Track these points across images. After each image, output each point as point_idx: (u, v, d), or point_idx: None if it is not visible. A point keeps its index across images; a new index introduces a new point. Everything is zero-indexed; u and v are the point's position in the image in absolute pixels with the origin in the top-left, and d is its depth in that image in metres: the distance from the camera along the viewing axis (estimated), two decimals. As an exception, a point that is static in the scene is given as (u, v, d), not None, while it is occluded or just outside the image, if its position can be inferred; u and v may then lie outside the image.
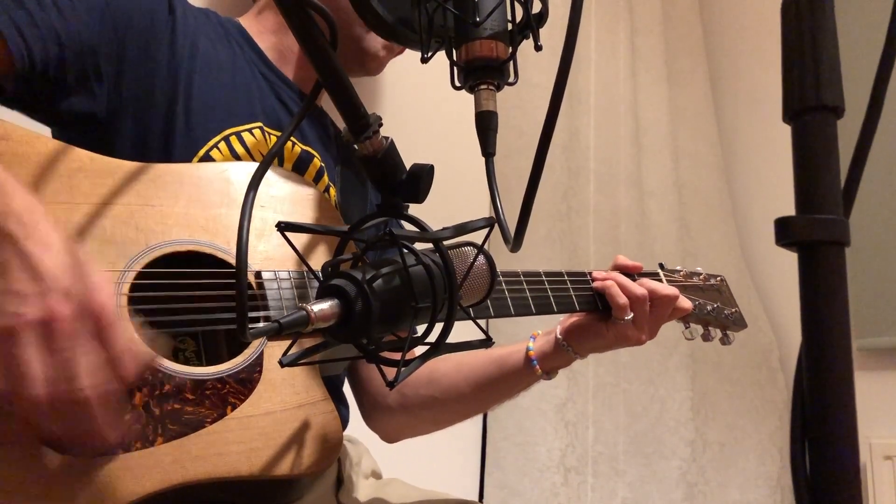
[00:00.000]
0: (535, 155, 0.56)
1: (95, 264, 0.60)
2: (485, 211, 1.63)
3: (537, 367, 1.00)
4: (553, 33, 1.71)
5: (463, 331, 0.69)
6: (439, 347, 0.58)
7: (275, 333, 0.50)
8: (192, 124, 0.84)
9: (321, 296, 0.54)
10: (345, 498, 0.95)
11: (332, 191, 1.00)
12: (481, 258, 0.64)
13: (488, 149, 0.59)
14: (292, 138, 0.95)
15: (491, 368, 1.03)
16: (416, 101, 1.52)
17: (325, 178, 0.99)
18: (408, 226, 0.60)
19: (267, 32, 1.01)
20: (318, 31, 0.53)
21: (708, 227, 2.14)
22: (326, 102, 1.08)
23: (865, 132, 0.50)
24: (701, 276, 1.16)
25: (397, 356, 0.57)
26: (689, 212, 2.13)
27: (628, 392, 1.88)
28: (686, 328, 1.13)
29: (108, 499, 0.64)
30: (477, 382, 1.03)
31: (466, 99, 0.60)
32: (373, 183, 0.60)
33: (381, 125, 0.57)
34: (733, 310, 1.17)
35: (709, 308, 1.12)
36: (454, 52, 0.59)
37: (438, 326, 0.58)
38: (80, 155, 0.73)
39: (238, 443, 0.72)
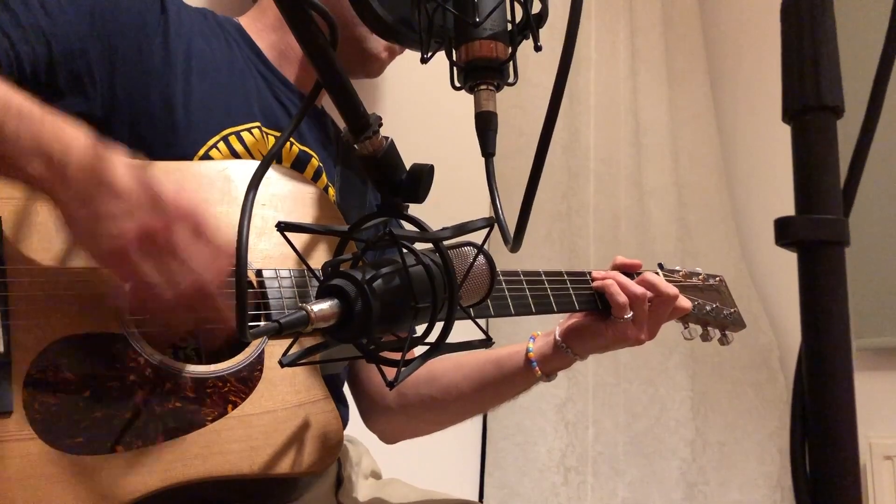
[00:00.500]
0: (535, 155, 0.56)
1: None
2: (484, 211, 1.63)
3: (537, 368, 0.99)
4: (553, 33, 1.71)
5: (463, 330, 0.69)
6: (439, 347, 0.58)
7: (275, 333, 0.50)
8: (190, 124, 0.84)
9: (321, 296, 0.54)
10: (344, 498, 0.95)
11: (332, 191, 1.00)
12: (481, 258, 0.64)
13: (488, 149, 0.59)
14: (291, 138, 0.95)
15: (490, 369, 1.03)
16: (416, 102, 1.52)
17: (324, 178, 0.99)
18: (408, 226, 0.60)
19: (267, 30, 1.01)
20: (318, 30, 0.53)
21: (708, 227, 2.14)
22: (327, 102, 1.08)
23: (865, 132, 0.50)
24: (700, 276, 1.16)
25: (397, 356, 0.57)
26: (689, 212, 2.13)
27: (628, 392, 1.88)
28: (685, 328, 1.13)
29: (109, 496, 0.64)
30: (476, 383, 1.03)
31: (466, 99, 0.60)
32: (373, 183, 0.60)
33: (381, 125, 0.58)
34: (732, 310, 1.17)
35: (708, 308, 1.12)
36: (454, 52, 0.59)
37: (438, 326, 0.58)
38: None
39: (239, 441, 0.72)
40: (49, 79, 0.76)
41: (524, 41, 0.61)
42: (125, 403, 0.68)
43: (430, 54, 0.61)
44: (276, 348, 0.77)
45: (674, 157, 2.12)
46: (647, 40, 2.15)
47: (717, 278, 1.19)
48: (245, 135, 0.88)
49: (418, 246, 0.58)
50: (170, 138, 0.83)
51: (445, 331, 0.57)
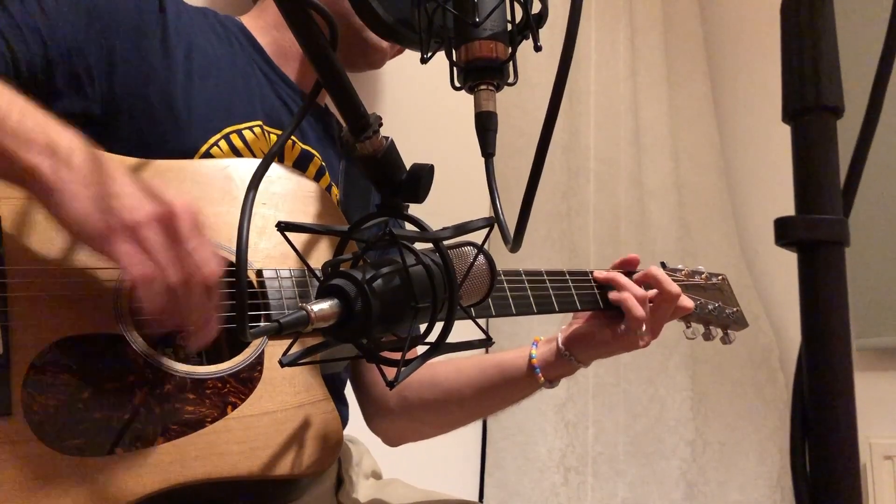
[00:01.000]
0: (535, 155, 0.56)
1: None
2: (484, 211, 1.63)
3: (540, 375, 0.99)
4: (553, 33, 1.71)
5: (463, 330, 0.69)
6: (439, 347, 0.58)
7: (275, 333, 0.50)
8: (191, 122, 0.84)
9: (321, 295, 0.54)
10: (344, 498, 0.95)
11: (335, 190, 1.00)
12: (481, 258, 0.64)
13: (488, 149, 0.59)
14: (294, 137, 0.95)
15: (493, 374, 1.02)
16: (416, 102, 1.52)
17: (327, 177, 0.98)
18: (408, 226, 0.60)
19: (268, 28, 1.00)
20: (318, 30, 0.53)
21: (708, 227, 2.14)
22: (331, 102, 1.08)
23: (865, 132, 0.50)
24: (703, 276, 1.16)
25: (397, 356, 0.57)
26: (689, 212, 2.13)
27: (628, 392, 1.88)
28: (687, 327, 1.12)
29: (108, 498, 0.64)
30: (479, 387, 1.03)
31: (466, 99, 0.60)
32: (373, 183, 0.60)
33: (381, 125, 0.58)
34: (734, 309, 1.17)
35: (710, 307, 1.12)
36: (454, 52, 0.59)
37: (438, 326, 0.58)
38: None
39: (238, 443, 0.72)
40: (47, 78, 0.76)
41: (524, 41, 0.61)
42: (124, 405, 0.68)
43: (430, 54, 0.61)
44: (276, 349, 0.77)
45: (674, 157, 2.12)
46: (647, 40, 2.15)
47: (720, 277, 1.19)
48: (246, 133, 0.88)
49: (418, 246, 0.58)
50: (170, 136, 0.83)
51: (445, 331, 0.57)
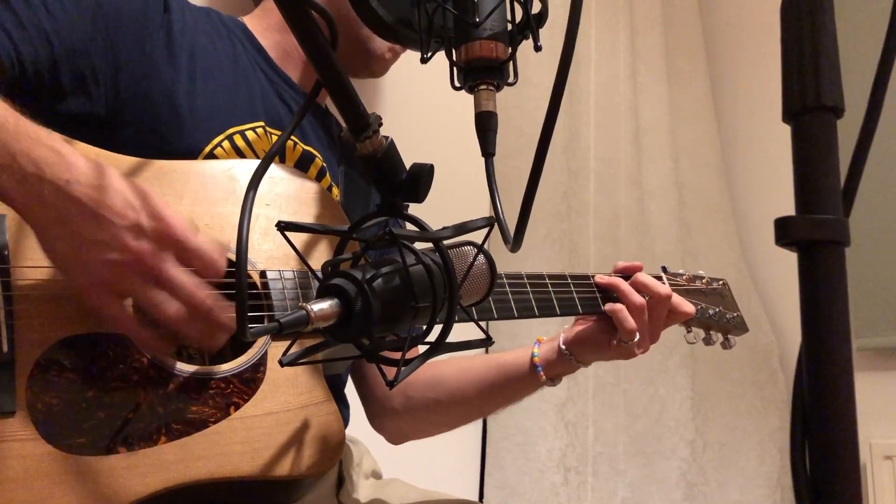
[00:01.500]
0: (535, 155, 0.56)
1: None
2: (484, 211, 1.63)
3: (542, 373, 1.00)
4: (553, 33, 1.71)
5: (463, 330, 0.69)
6: (439, 347, 0.58)
7: (275, 333, 0.50)
8: (194, 123, 0.84)
9: (321, 295, 0.54)
10: (345, 498, 0.95)
11: (336, 191, 1.00)
12: (481, 257, 0.64)
13: (488, 149, 0.59)
14: (294, 138, 0.95)
15: (495, 373, 1.03)
16: (416, 101, 1.52)
17: (328, 178, 0.99)
18: (408, 225, 0.60)
19: (271, 31, 1.00)
20: (318, 30, 0.53)
21: (708, 227, 2.14)
22: (331, 103, 1.08)
23: (865, 132, 0.50)
24: (703, 280, 1.16)
25: (398, 356, 0.57)
26: (689, 212, 2.13)
27: (628, 392, 1.88)
28: (688, 332, 1.13)
29: (111, 498, 0.64)
30: (481, 387, 1.03)
31: (466, 99, 0.60)
32: (373, 182, 0.60)
33: (380, 125, 0.58)
34: (735, 314, 1.17)
35: (711, 312, 1.13)
36: (454, 52, 0.59)
37: (439, 325, 0.58)
38: (86, 150, 0.72)
39: (241, 443, 0.72)
40: (52, 79, 0.76)
41: (524, 41, 0.61)
42: (128, 404, 0.68)
43: (429, 54, 0.61)
44: (279, 350, 0.77)
45: (674, 157, 2.12)
46: (647, 40, 2.15)
47: (721, 282, 1.19)
48: (249, 133, 0.88)
49: (418, 245, 0.58)
50: (174, 137, 0.83)
51: (445, 330, 0.57)
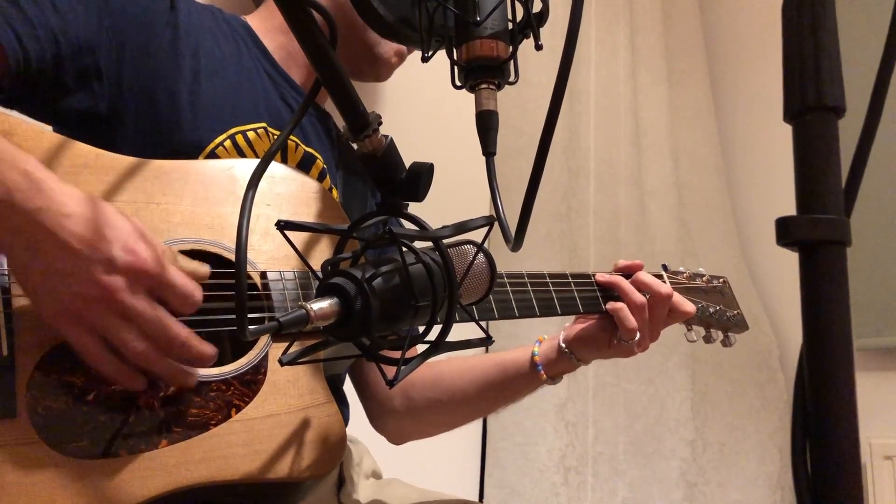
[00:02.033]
0: (536, 154, 0.56)
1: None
2: (485, 210, 1.63)
3: (542, 372, 1.00)
4: (553, 33, 1.71)
5: (463, 329, 0.69)
6: (439, 346, 0.58)
7: (275, 332, 0.50)
8: (197, 122, 0.84)
9: (321, 294, 0.54)
10: (345, 498, 0.95)
11: (335, 193, 1.00)
12: (481, 256, 0.63)
13: (489, 148, 0.59)
14: (296, 139, 0.95)
15: (496, 372, 1.03)
16: (416, 101, 1.52)
17: (328, 179, 0.98)
18: (408, 224, 0.60)
19: (275, 32, 1.00)
20: (318, 29, 0.53)
21: (708, 227, 2.14)
22: (330, 104, 1.08)
23: (866, 132, 0.50)
24: (704, 278, 1.16)
25: (398, 355, 0.57)
26: (689, 212, 2.13)
27: (628, 392, 1.88)
28: (688, 330, 1.13)
29: (112, 501, 0.64)
30: (481, 386, 1.03)
31: (466, 98, 0.60)
32: (372, 182, 0.59)
33: (380, 124, 0.57)
34: (735, 312, 1.17)
35: (711, 310, 1.12)
36: (454, 51, 0.59)
37: (439, 325, 0.57)
38: (85, 151, 0.72)
39: (242, 445, 0.72)
40: (56, 75, 0.76)
41: (525, 40, 0.61)
42: (128, 407, 0.67)
43: (430, 53, 0.61)
44: (279, 351, 0.76)
45: (674, 157, 2.12)
46: (647, 40, 2.15)
47: (721, 280, 1.19)
48: (250, 133, 0.88)
49: (418, 244, 0.58)
50: (176, 135, 0.83)
51: (445, 329, 0.57)
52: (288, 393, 0.76)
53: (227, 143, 0.85)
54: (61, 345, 0.65)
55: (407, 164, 0.59)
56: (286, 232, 0.57)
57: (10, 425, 0.62)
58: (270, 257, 0.79)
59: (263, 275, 0.77)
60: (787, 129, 0.51)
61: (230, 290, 0.73)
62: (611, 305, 0.99)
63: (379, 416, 1.09)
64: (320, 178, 0.97)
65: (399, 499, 0.99)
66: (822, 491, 0.46)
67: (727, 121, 2.30)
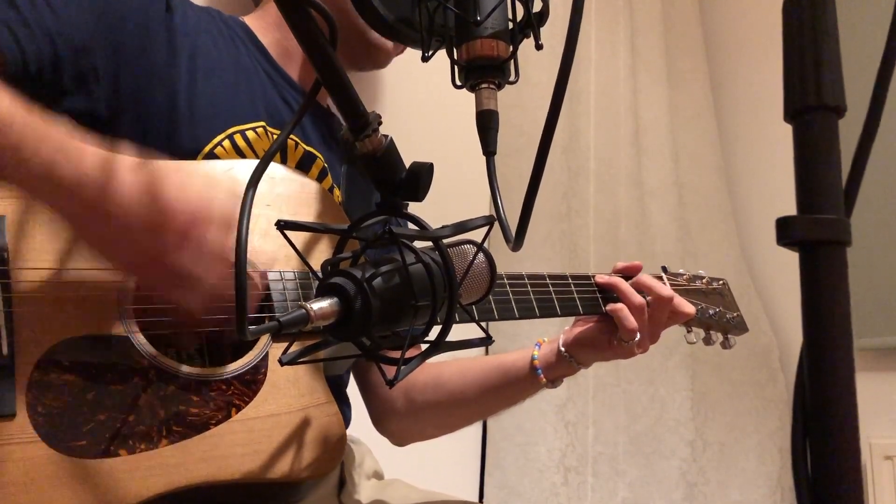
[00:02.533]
0: (536, 154, 0.56)
1: None
2: (485, 210, 1.63)
3: (542, 375, 1.00)
4: (553, 33, 1.71)
5: (463, 329, 0.69)
6: (439, 346, 0.58)
7: (275, 332, 0.50)
8: (195, 122, 0.84)
9: (321, 294, 0.54)
10: (346, 499, 0.95)
11: (337, 192, 1.00)
12: (481, 256, 0.63)
13: (489, 147, 0.59)
14: (296, 138, 0.95)
15: (496, 375, 1.03)
16: (416, 100, 1.52)
17: (329, 178, 0.98)
18: (408, 224, 0.60)
19: (271, 28, 1.00)
20: (318, 29, 0.53)
21: (708, 227, 2.14)
22: (332, 103, 1.08)
23: (867, 131, 0.50)
24: (703, 280, 1.16)
25: (398, 354, 0.57)
26: (689, 212, 2.13)
27: (628, 392, 1.88)
28: (688, 332, 1.13)
29: (112, 500, 0.64)
30: (481, 388, 1.03)
31: (466, 97, 0.60)
32: (372, 181, 0.59)
33: (380, 123, 0.57)
34: (735, 314, 1.17)
35: (711, 312, 1.13)
36: (455, 50, 0.59)
37: (439, 324, 0.57)
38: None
39: (242, 445, 0.72)
40: (54, 77, 0.76)
41: (525, 40, 0.61)
42: (128, 406, 0.67)
43: (430, 53, 0.61)
44: (279, 351, 0.76)
45: (674, 157, 2.12)
46: (647, 40, 2.15)
47: (721, 282, 1.19)
48: (249, 133, 0.88)
49: (418, 244, 0.58)
50: (174, 135, 0.83)
51: (445, 329, 0.57)
52: (288, 393, 0.76)
53: (226, 143, 0.85)
54: (61, 343, 0.65)
55: (407, 164, 0.59)
56: (286, 232, 0.57)
57: (9, 424, 0.62)
58: (270, 257, 0.79)
59: (263, 275, 0.77)
60: (788, 129, 0.51)
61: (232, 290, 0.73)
62: (611, 306, 0.99)
63: (382, 418, 1.09)
64: (321, 177, 0.97)
65: (400, 499, 0.99)
66: (822, 491, 0.46)
67: (727, 121, 2.30)
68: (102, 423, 0.66)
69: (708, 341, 1.14)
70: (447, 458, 1.57)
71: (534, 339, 1.05)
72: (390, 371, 0.56)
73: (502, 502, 1.64)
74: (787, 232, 0.49)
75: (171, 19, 0.86)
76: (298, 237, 0.81)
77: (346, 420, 0.99)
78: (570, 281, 1.01)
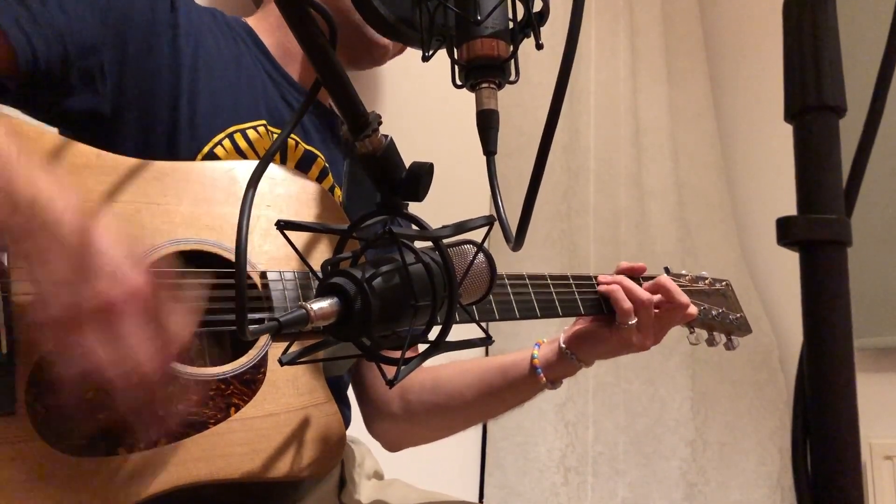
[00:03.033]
0: (537, 154, 0.56)
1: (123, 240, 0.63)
2: (485, 210, 1.63)
3: (542, 375, 0.99)
4: (554, 33, 1.71)
5: (463, 329, 0.69)
6: (439, 346, 0.58)
7: (275, 332, 0.50)
8: (196, 121, 0.84)
9: (321, 294, 0.54)
10: (347, 499, 0.95)
11: (338, 191, 1.00)
12: (481, 256, 0.63)
13: (489, 147, 0.59)
14: (297, 138, 0.95)
15: (495, 377, 1.02)
16: (416, 100, 1.52)
17: (330, 178, 0.98)
18: (408, 224, 0.60)
19: (272, 29, 1.00)
20: (318, 29, 0.53)
21: (708, 227, 2.14)
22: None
23: (867, 131, 0.50)
24: (706, 281, 1.16)
25: (398, 355, 0.56)
26: (689, 212, 2.13)
27: (628, 392, 1.88)
28: (691, 333, 1.13)
29: (112, 499, 0.64)
30: (481, 390, 1.03)
31: (467, 97, 0.60)
32: (372, 181, 0.59)
33: (380, 123, 0.57)
34: (738, 315, 1.17)
35: (714, 313, 1.12)
36: (455, 50, 0.59)
37: (438, 324, 0.57)
38: (86, 151, 0.72)
39: (242, 444, 0.72)
40: (62, 76, 0.76)
41: (525, 39, 0.61)
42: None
43: (431, 52, 0.61)
44: (279, 351, 0.76)
45: (674, 157, 2.12)
46: (647, 40, 2.15)
47: (724, 283, 1.19)
48: (250, 132, 0.88)
49: (418, 244, 0.58)
50: (175, 134, 0.83)
51: (445, 329, 0.57)
52: (287, 392, 0.76)
53: (227, 143, 0.85)
54: None
55: (407, 164, 0.59)
56: (286, 232, 0.57)
57: (9, 423, 0.62)
58: (271, 258, 0.79)
59: (263, 275, 0.77)
60: (788, 129, 0.51)
61: (231, 290, 0.73)
62: (604, 287, 0.99)
63: (376, 421, 1.08)
64: (321, 177, 0.97)
65: (400, 499, 0.99)
66: (822, 491, 0.46)
67: (727, 121, 2.30)
68: (102, 423, 0.66)
69: (711, 342, 1.14)
70: (447, 458, 1.57)
71: (533, 339, 1.05)
72: (390, 371, 0.56)
73: (502, 502, 1.64)
74: (787, 232, 0.49)
75: (175, 18, 0.86)
76: (299, 237, 0.81)
77: (346, 421, 0.99)
78: (572, 281, 1.00)
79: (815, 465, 0.47)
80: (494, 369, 1.03)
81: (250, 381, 0.74)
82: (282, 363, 0.59)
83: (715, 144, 2.23)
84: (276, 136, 0.91)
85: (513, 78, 0.59)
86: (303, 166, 0.95)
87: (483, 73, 0.58)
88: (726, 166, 2.24)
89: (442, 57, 0.62)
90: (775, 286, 2.10)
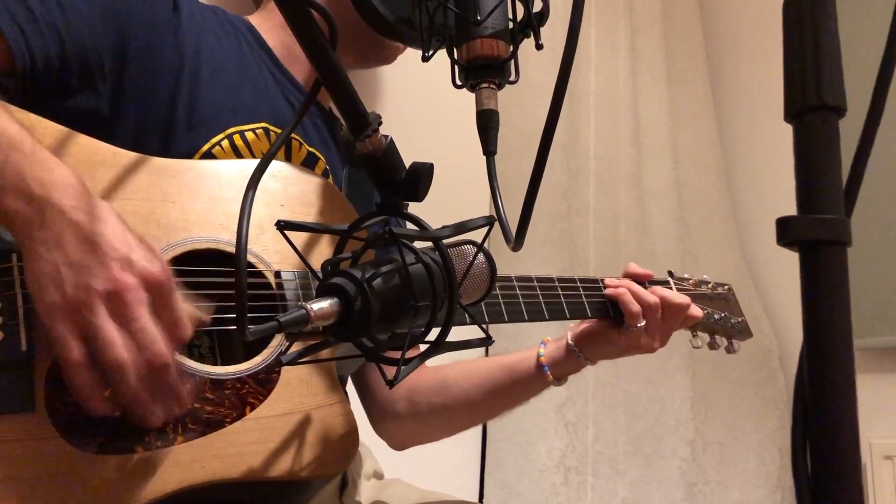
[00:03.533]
0: (537, 154, 0.56)
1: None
2: (485, 210, 1.63)
3: (548, 373, 1.00)
4: (554, 33, 1.71)
5: (464, 329, 0.69)
6: (439, 346, 0.58)
7: (274, 332, 0.50)
8: (194, 121, 0.84)
9: (321, 294, 0.54)
10: (348, 500, 0.95)
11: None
12: (481, 256, 0.63)
13: (489, 147, 0.59)
14: (300, 139, 0.95)
15: (501, 375, 1.03)
16: (416, 100, 1.52)
17: (331, 180, 0.98)
18: (408, 224, 0.60)
19: (276, 29, 1.00)
20: (318, 29, 0.53)
21: (708, 227, 2.14)
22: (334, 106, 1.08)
23: (867, 131, 0.50)
24: (709, 285, 1.17)
25: (398, 355, 0.57)
26: (689, 212, 2.13)
27: (628, 392, 1.88)
28: (693, 336, 1.14)
29: (128, 498, 0.64)
30: (487, 389, 1.04)
31: (467, 97, 0.60)
32: (373, 182, 0.60)
33: (380, 123, 0.57)
34: (740, 319, 1.18)
35: (716, 317, 1.13)
36: (455, 50, 0.59)
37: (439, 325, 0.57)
38: (103, 149, 0.72)
39: (257, 443, 0.72)
40: (61, 75, 0.76)
41: (525, 39, 0.61)
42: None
43: (431, 53, 0.61)
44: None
45: (674, 157, 2.12)
46: (647, 40, 2.15)
47: (726, 287, 1.20)
48: (249, 134, 0.88)
49: (418, 244, 0.58)
50: (173, 134, 0.83)
51: (445, 329, 0.57)
52: (301, 392, 0.76)
53: (225, 143, 0.85)
54: None
55: (407, 164, 0.59)
56: (286, 232, 0.58)
57: (27, 420, 0.62)
58: (284, 257, 0.79)
59: (277, 274, 0.78)
60: (788, 129, 0.51)
61: (228, 290, 0.73)
62: (610, 291, 1.00)
63: (381, 420, 1.09)
64: (323, 179, 0.97)
65: (399, 499, 0.99)
66: (822, 491, 0.46)
67: (727, 121, 2.30)
68: (119, 421, 0.66)
69: (713, 346, 1.15)
70: (447, 458, 1.57)
71: (535, 339, 1.06)
72: (390, 371, 0.56)
73: (502, 502, 1.64)
74: (787, 232, 0.49)
75: (177, 18, 0.86)
76: (302, 237, 0.81)
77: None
78: (579, 284, 1.01)
79: (815, 465, 0.47)
80: (501, 368, 1.04)
81: (265, 381, 0.74)
82: (283, 363, 0.59)
83: (715, 144, 2.23)
84: (275, 137, 0.91)
85: (513, 78, 0.60)
86: (306, 167, 0.95)
87: (483, 73, 0.58)
88: (726, 166, 2.24)
89: (442, 57, 0.62)
90: (775, 286, 2.10)
